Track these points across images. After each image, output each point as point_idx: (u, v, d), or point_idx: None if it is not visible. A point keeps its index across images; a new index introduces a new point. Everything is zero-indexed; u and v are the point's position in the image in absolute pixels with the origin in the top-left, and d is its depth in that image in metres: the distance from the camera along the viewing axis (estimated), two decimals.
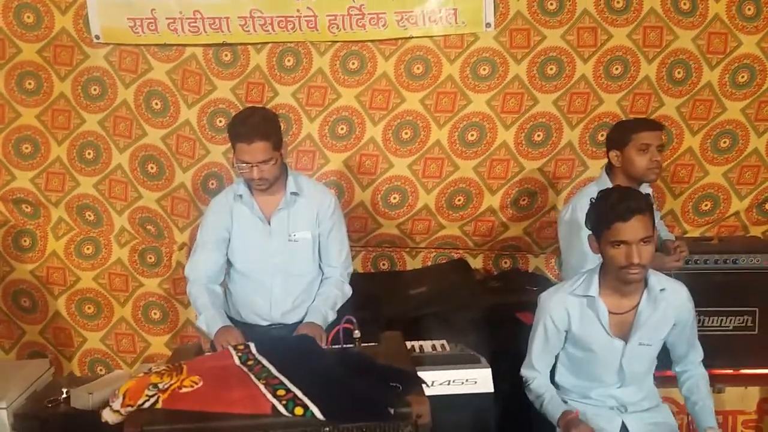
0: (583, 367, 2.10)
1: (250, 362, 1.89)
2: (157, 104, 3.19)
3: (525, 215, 3.28)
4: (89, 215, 3.37)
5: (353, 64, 3.11)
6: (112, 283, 3.45)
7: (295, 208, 2.38)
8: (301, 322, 2.37)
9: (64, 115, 3.23)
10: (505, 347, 2.26)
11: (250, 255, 2.41)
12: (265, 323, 2.43)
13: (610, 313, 2.00)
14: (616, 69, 3.04)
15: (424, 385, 1.75)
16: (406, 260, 3.47)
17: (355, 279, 2.58)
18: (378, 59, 3.09)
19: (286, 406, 1.65)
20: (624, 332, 2.02)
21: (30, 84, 3.19)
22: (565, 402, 2.08)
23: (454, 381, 1.90)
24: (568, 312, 2.03)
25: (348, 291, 2.50)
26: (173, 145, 3.25)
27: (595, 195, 1.99)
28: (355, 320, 2.14)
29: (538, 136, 3.13)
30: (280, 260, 2.38)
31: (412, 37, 3.04)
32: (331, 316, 2.38)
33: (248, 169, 2.24)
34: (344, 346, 2.12)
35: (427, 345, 2.24)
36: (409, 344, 2.22)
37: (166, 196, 3.31)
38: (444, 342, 2.27)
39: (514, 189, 3.22)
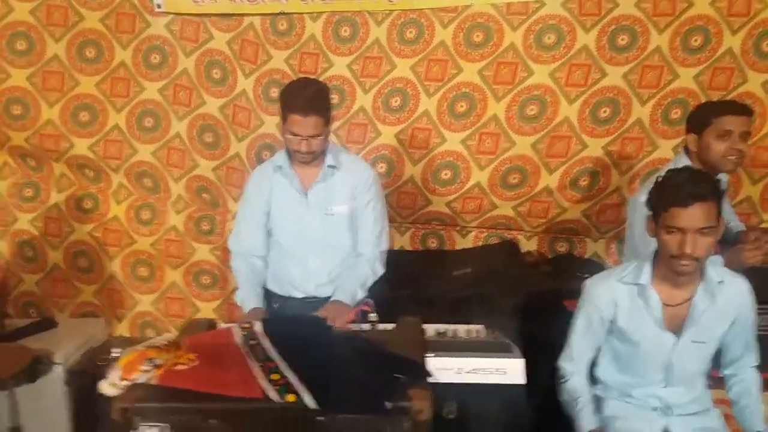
0: (627, 362, 1.94)
1: (252, 342, 1.84)
2: (217, 74, 3.22)
3: (585, 197, 3.12)
4: (147, 182, 3.46)
5: (410, 33, 3.01)
6: (168, 248, 3.55)
7: (332, 181, 2.35)
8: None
9: (124, 83, 3.30)
10: (548, 337, 2.11)
11: (288, 227, 2.40)
12: (300, 295, 2.41)
13: (662, 304, 1.85)
14: (695, 40, 2.81)
15: (449, 372, 1.69)
16: (456, 239, 3.38)
17: (398, 256, 2.55)
18: (436, 27, 2.98)
19: (278, 392, 1.59)
20: (676, 326, 1.85)
21: (90, 52, 3.27)
22: (599, 408, 1.95)
23: (482, 369, 1.80)
24: (615, 301, 1.89)
25: (380, 270, 2.43)
26: (230, 115, 3.27)
27: None
28: (372, 302, 2.10)
29: (605, 112, 2.95)
30: (316, 233, 2.36)
31: (473, 4, 2.91)
32: (360, 294, 2.33)
33: (297, 141, 2.22)
34: (361, 328, 2.07)
35: (461, 329, 2.14)
36: (443, 327, 2.14)
37: (221, 165, 3.35)
38: (481, 327, 2.16)
39: (575, 168, 3.05)
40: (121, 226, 3.55)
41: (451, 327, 2.13)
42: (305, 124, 2.17)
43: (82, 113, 3.33)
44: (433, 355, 1.78)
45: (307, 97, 2.18)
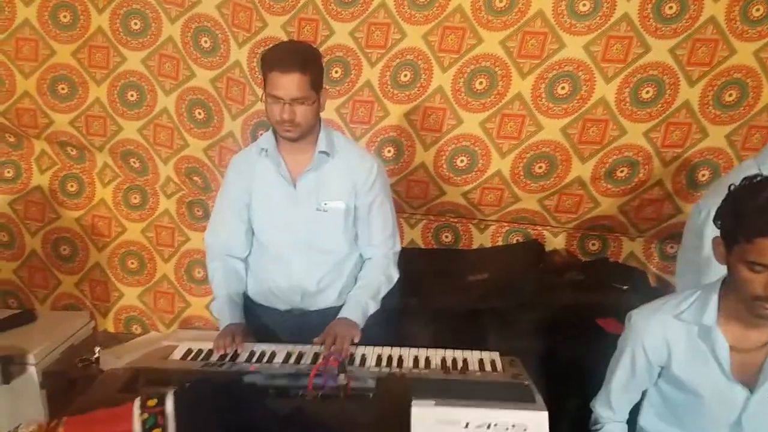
0: (683, 415, 1.62)
1: (155, 430, 1.42)
2: (206, 42, 2.93)
3: (622, 190, 2.81)
4: (134, 162, 3.23)
5: None
6: (159, 236, 3.35)
7: (325, 170, 2.03)
8: (326, 310, 2.06)
9: (102, 52, 3.04)
10: (578, 362, 1.84)
11: (271, 222, 2.09)
12: (283, 307, 2.12)
13: (731, 349, 1.50)
14: (757, 10, 2.45)
15: (455, 427, 1.36)
16: (473, 234, 3.10)
17: (405, 257, 2.23)
18: None
19: None
20: (749, 377, 1.51)
21: (65, 17, 3.01)
22: None
23: (495, 425, 1.46)
24: (667, 342, 1.55)
25: (394, 275, 2.15)
26: (223, 89, 2.99)
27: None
28: (343, 357, 1.75)
29: (647, 92, 2.61)
30: (305, 232, 2.04)
31: None
32: (373, 307, 2.05)
33: (279, 108, 1.89)
34: (319, 395, 1.63)
35: (473, 359, 1.84)
36: (450, 355, 1.85)
37: (213, 145, 3.09)
38: (496, 357, 1.85)
39: (611, 157, 2.74)
40: (110, 211, 3.34)
41: (460, 355, 1.84)
42: (286, 82, 1.85)
43: (60, 85, 3.08)
44: (434, 402, 1.47)
45: (289, 51, 1.89)
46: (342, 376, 1.56)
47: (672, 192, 2.78)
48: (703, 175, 2.73)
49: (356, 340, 1.89)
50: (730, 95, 2.57)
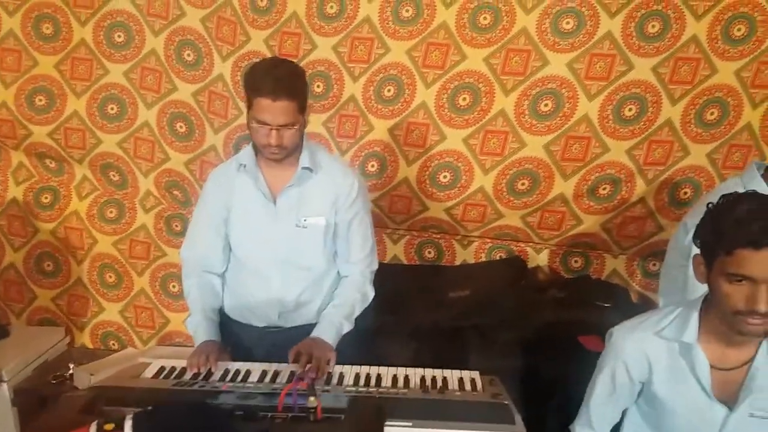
0: None
1: None
2: (189, 55, 2.92)
3: (604, 207, 2.80)
4: (113, 175, 3.19)
5: (407, 11, 2.68)
6: (133, 250, 3.29)
7: (307, 187, 2.01)
8: (303, 327, 2.03)
9: (85, 64, 3.01)
10: (560, 381, 1.82)
11: (249, 238, 2.07)
12: (260, 324, 2.09)
13: (711, 367, 1.48)
14: (738, 29, 2.47)
15: None
16: (456, 250, 3.07)
17: (385, 273, 2.21)
18: (437, 6, 2.66)
19: None
20: (729, 395, 1.49)
21: (48, 28, 2.98)
22: None
23: None
24: (648, 359, 1.53)
25: (370, 294, 2.13)
26: (205, 103, 2.97)
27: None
28: (312, 378, 1.70)
29: (630, 110, 2.61)
30: (283, 248, 2.02)
31: None
32: (347, 327, 2.02)
33: (266, 132, 1.88)
34: (288, 416, 1.58)
35: (452, 379, 1.81)
36: (430, 373, 1.82)
37: (195, 159, 3.06)
38: (476, 376, 1.82)
39: (594, 174, 2.73)
40: (82, 223, 3.28)
41: (440, 374, 1.81)
42: (274, 110, 1.83)
43: (38, 97, 3.04)
44: (410, 424, 1.46)
45: (277, 77, 1.83)
46: (312, 398, 1.51)
47: (654, 209, 2.78)
48: (685, 193, 2.73)
49: (331, 364, 1.86)
50: (712, 114, 2.58)
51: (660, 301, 2.16)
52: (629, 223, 2.82)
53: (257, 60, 2.71)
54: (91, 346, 3.39)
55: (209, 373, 1.84)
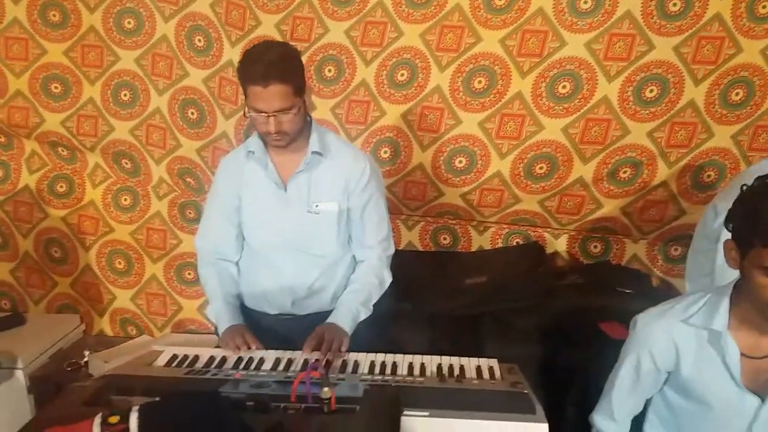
0: (690, 424, 1.56)
1: None
2: (200, 41, 2.89)
3: (625, 191, 2.76)
4: (126, 163, 3.19)
5: None
6: (150, 239, 3.30)
7: (318, 171, 2.00)
8: (317, 314, 2.03)
9: (96, 51, 3.00)
10: (581, 369, 1.78)
11: (260, 226, 2.06)
12: (273, 312, 2.09)
13: (742, 356, 1.44)
14: (764, 7, 2.40)
15: None
16: (472, 236, 3.04)
17: (400, 260, 2.18)
18: None
19: None
20: (760, 385, 1.45)
21: (55, 16, 2.97)
22: None
23: None
24: (676, 346, 1.49)
25: (387, 279, 2.11)
26: (216, 89, 2.95)
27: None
28: (323, 367, 1.68)
29: (651, 91, 2.56)
30: (295, 235, 2.01)
31: None
32: (364, 314, 2.00)
33: (263, 120, 1.86)
34: (301, 408, 1.53)
35: (470, 366, 1.78)
36: (446, 361, 1.80)
37: (207, 145, 3.05)
38: (494, 364, 1.79)
39: (614, 157, 2.69)
40: (98, 212, 3.30)
41: (457, 362, 1.78)
42: (267, 96, 1.80)
43: (53, 84, 3.05)
44: (427, 413, 1.43)
45: (266, 63, 1.79)
46: (326, 389, 1.47)
47: (676, 193, 2.73)
48: (709, 176, 2.68)
49: (344, 349, 1.85)
50: (737, 94, 2.52)
51: (687, 286, 2.12)
52: (650, 207, 2.77)
53: None
54: (110, 333, 3.42)
55: (223, 361, 1.83)
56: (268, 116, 1.83)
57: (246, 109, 1.88)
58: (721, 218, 1.67)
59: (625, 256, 2.97)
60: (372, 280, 2.06)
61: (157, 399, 1.39)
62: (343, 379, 1.68)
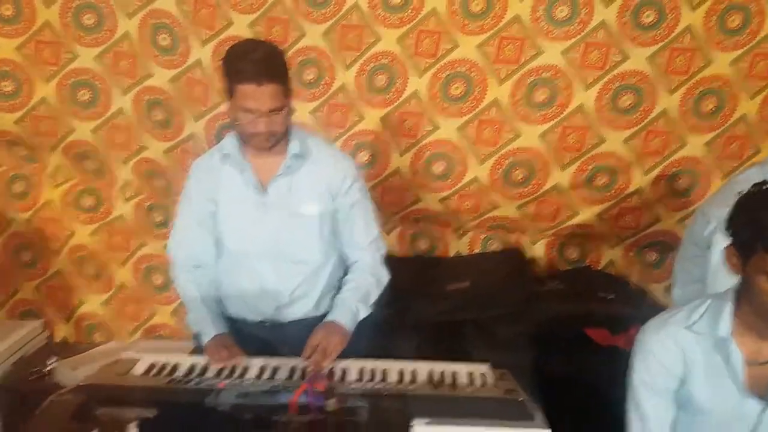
0: (693, 430, 1.58)
1: None
2: (164, 39, 2.80)
3: (601, 198, 2.84)
4: (89, 164, 3.10)
5: None
6: (113, 241, 3.22)
7: (299, 175, 1.96)
8: (301, 321, 2.00)
9: (51, 48, 2.87)
10: (568, 376, 1.82)
11: (239, 231, 2.00)
12: (255, 319, 2.05)
13: (745, 361, 1.46)
14: (733, 20, 2.50)
15: None
16: (449, 241, 3.09)
17: None
18: None
19: None
20: (762, 390, 1.48)
21: (7, 9, 2.81)
22: None
23: None
24: (684, 354, 1.49)
25: (384, 276, 2.09)
26: (183, 89, 2.87)
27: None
28: (326, 379, 1.67)
29: (626, 99, 2.63)
30: (276, 241, 1.97)
31: None
32: (364, 312, 1.98)
33: (253, 120, 1.81)
34: (311, 418, 1.50)
35: (462, 372, 1.79)
36: (439, 367, 1.80)
37: (174, 147, 2.97)
38: (486, 369, 1.81)
39: (590, 164, 2.76)
40: (56, 213, 3.19)
41: (449, 369, 1.79)
42: (261, 95, 1.76)
43: (2, 83, 2.90)
44: (426, 422, 1.42)
45: (259, 61, 1.76)
46: (331, 401, 1.46)
47: (651, 200, 2.82)
48: (682, 184, 2.78)
49: (340, 348, 1.82)
50: (708, 104, 2.62)
51: (674, 293, 2.15)
52: (626, 213, 2.86)
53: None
54: (74, 339, 3.33)
55: (204, 369, 1.80)
56: (259, 116, 1.80)
57: (230, 109, 1.83)
58: (712, 225, 1.72)
59: (601, 262, 3.05)
60: (368, 278, 2.04)
61: (154, 414, 1.37)
62: (342, 392, 1.64)
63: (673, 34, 2.53)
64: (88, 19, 2.83)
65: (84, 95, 2.94)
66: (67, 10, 2.83)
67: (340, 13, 2.67)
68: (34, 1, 2.81)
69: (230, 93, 1.82)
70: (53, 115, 2.98)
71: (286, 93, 1.83)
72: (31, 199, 3.20)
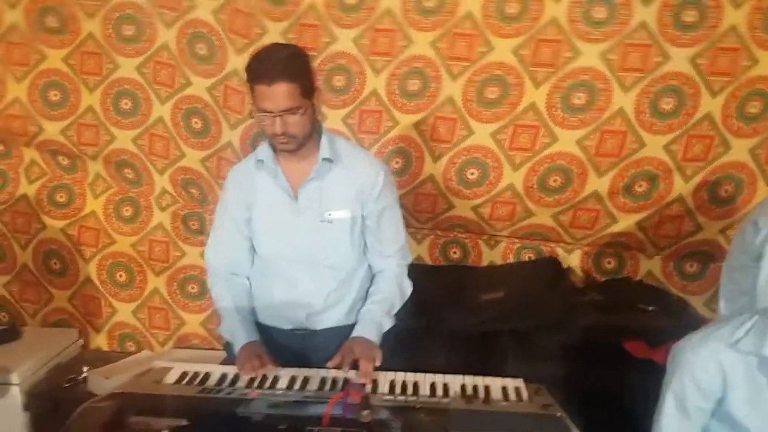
0: None
1: None
2: (201, 49, 2.87)
3: (640, 205, 2.75)
4: (128, 173, 3.17)
5: (429, 0, 2.62)
6: (152, 251, 3.27)
7: (329, 179, 1.98)
8: (334, 329, 2.01)
9: (94, 58, 2.97)
10: (605, 390, 1.74)
11: (271, 237, 2.04)
12: (287, 326, 2.07)
13: None
14: None
15: None
16: (483, 250, 3.03)
17: (413, 272, 2.16)
18: None
19: None
20: None
21: (52, 21, 2.93)
22: None
23: None
24: (724, 373, 1.42)
25: (408, 287, 2.11)
26: (220, 98, 2.93)
27: None
28: (364, 388, 1.64)
29: (667, 103, 2.56)
30: (308, 246, 1.99)
31: None
32: (388, 324, 2.00)
33: (270, 121, 1.85)
34: (345, 429, 1.49)
35: (495, 387, 1.74)
36: (470, 382, 1.76)
37: (211, 155, 3.02)
38: (520, 384, 1.76)
39: (630, 170, 2.69)
40: (99, 223, 3.27)
41: (481, 382, 1.75)
42: (273, 95, 1.79)
43: (52, 92, 3.02)
44: None
45: (272, 61, 1.80)
46: (366, 412, 1.42)
47: (693, 208, 2.73)
48: (726, 191, 2.69)
49: (378, 363, 1.81)
50: (754, 106, 2.53)
51: (720, 305, 2.05)
52: (666, 222, 2.77)
53: None
54: (107, 348, 3.38)
55: (235, 378, 1.82)
56: (275, 116, 1.82)
57: (253, 110, 1.87)
58: (763, 233, 1.63)
59: (639, 272, 2.96)
60: (393, 290, 2.05)
61: (186, 423, 1.38)
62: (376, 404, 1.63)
63: (716, 34, 2.45)
64: (128, 30, 2.92)
65: (126, 104, 3.02)
66: (109, 22, 2.93)
67: (373, 18, 2.66)
68: (78, 13, 2.93)
69: (252, 94, 1.86)
70: (96, 124, 3.06)
71: (304, 94, 1.84)
72: (74, 209, 3.27)
